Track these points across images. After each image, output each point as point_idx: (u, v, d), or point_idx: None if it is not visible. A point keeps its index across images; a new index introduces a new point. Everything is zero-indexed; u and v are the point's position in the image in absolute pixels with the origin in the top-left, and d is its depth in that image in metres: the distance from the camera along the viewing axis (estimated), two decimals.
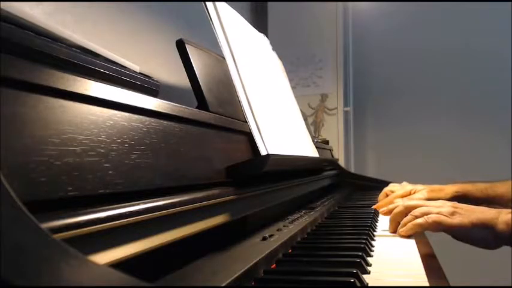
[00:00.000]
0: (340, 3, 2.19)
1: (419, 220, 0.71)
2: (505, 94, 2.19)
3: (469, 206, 0.73)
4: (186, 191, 0.40)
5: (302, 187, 0.91)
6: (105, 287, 0.19)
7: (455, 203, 0.73)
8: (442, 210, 0.71)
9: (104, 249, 0.28)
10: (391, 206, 0.90)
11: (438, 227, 0.70)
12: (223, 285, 0.35)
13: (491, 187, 0.99)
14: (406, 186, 1.09)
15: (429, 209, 0.72)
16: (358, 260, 0.50)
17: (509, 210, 0.68)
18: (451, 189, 1.02)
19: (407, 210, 0.75)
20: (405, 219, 0.74)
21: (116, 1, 0.95)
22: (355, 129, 2.38)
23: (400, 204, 0.79)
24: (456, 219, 0.69)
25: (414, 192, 1.04)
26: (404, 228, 0.73)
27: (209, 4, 0.68)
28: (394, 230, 0.77)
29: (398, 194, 1.05)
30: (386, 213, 0.92)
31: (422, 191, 1.03)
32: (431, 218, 0.70)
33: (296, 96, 1.17)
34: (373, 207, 1.04)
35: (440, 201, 0.76)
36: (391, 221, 0.78)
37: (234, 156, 0.57)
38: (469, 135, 2.25)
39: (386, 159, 2.45)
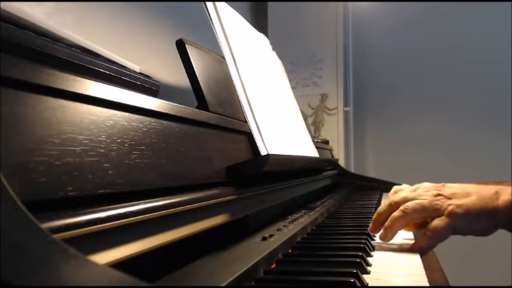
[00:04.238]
0: (340, 3, 2.20)
1: (396, 213, 0.61)
2: (505, 94, 2.19)
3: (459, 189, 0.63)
4: (186, 191, 0.40)
5: (302, 187, 0.91)
6: (105, 287, 0.19)
7: (439, 189, 0.63)
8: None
9: (104, 249, 0.28)
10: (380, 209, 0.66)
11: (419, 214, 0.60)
12: (223, 285, 0.35)
13: None
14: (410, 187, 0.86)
15: (407, 196, 0.63)
16: (358, 260, 0.50)
17: (510, 190, 0.59)
18: None
19: (397, 206, 0.63)
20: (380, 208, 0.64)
21: (116, 1, 0.95)
22: (355, 129, 2.38)
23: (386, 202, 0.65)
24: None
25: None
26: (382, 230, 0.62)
27: (209, 4, 0.68)
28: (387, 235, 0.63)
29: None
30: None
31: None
32: (409, 205, 0.60)
33: (296, 96, 1.17)
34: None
35: (424, 187, 0.65)
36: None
37: (234, 156, 0.57)
38: (469, 135, 2.25)
39: (386, 159, 2.45)
